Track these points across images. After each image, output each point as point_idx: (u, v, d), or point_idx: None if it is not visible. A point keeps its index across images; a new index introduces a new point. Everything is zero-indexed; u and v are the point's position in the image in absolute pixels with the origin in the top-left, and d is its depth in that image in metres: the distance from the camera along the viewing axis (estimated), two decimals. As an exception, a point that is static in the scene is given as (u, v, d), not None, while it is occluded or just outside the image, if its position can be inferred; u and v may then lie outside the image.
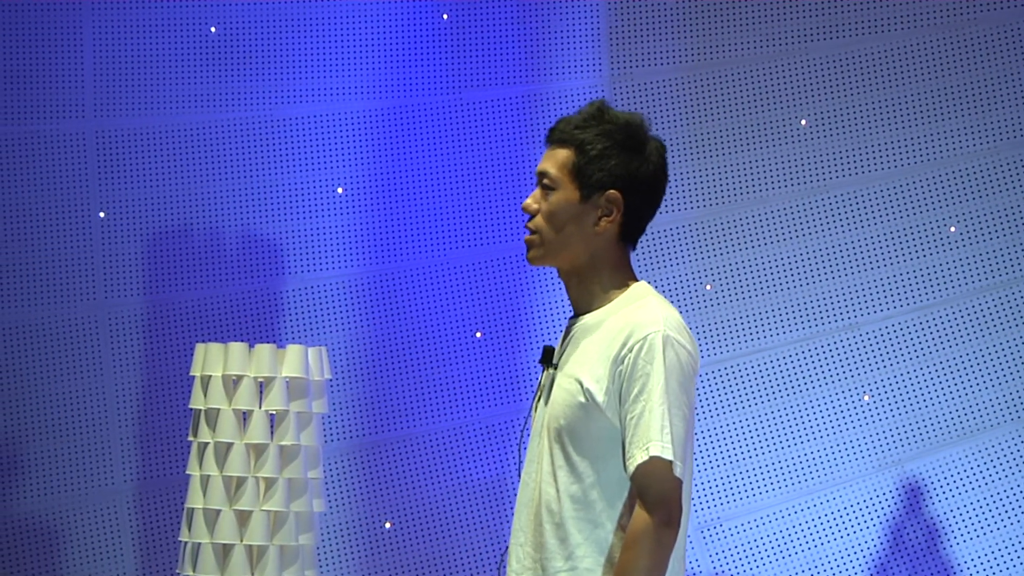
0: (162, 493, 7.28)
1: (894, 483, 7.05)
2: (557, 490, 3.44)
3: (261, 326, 7.38)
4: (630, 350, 3.41)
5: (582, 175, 3.49)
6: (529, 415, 3.68)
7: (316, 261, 7.45)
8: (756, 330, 7.28)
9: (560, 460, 3.45)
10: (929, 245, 7.16)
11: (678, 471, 3.37)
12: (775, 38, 7.34)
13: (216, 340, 7.23)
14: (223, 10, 7.44)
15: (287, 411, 6.06)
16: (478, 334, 7.46)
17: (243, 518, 6.04)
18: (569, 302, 3.62)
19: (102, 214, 7.36)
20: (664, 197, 3.58)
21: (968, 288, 7.11)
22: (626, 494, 3.44)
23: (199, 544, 6.05)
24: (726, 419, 7.20)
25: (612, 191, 3.49)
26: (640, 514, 3.37)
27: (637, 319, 3.44)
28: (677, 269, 7.33)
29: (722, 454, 7.22)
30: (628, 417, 3.40)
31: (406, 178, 7.52)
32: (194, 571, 6.04)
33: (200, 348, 6.13)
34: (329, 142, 7.50)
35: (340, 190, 7.49)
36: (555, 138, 3.55)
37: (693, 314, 7.28)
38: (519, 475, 3.61)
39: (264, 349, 6.06)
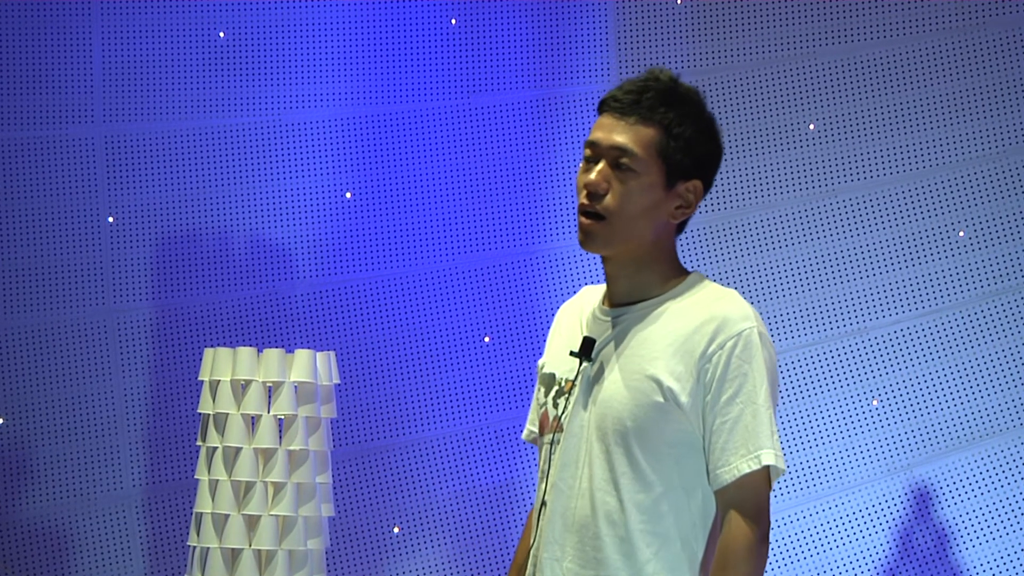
0: (171, 497, 7.28)
1: (903, 488, 7.05)
2: (620, 500, 3.04)
3: (269, 331, 7.38)
4: (720, 347, 3.02)
5: (670, 161, 3.06)
6: (545, 413, 3.25)
7: (324, 266, 7.46)
8: (765, 334, 7.27)
9: (623, 466, 3.05)
10: (938, 249, 7.15)
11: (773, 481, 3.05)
12: (783, 42, 7.34)
13: (224, 345, 7.23)
14: (232, 15, 7.45)
15: (296, 416, 6.06)
16: (486, 339, 7.46)
17: (252, 522, 6.04)
18: (608, 291, 3.22)
19: (111, 219, 7.37)
20: None
21: (977, 292, 7.10)
22: (701, 505, 3.08)
23: (208, 548, 6.05)
24: (735, 424, 7.19)
25: (696, 181, 3.10)
26: (740, 528, 3.00)
27: (724, 312, 3.04)
28: (685, 273, 7.33)
29: (731, 459, 7.21)
30: (719, 420, 3.02)
31: (415, 182, 7.52)
32: (203, 575, 6.05)
33: (208, 353, 6.14)
34: (338, 147, 7.50)
35: (349, 194, 7.50)
36: (630, 111, 3.07)
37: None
38: (544, 480, 3.17)
39: (272, 354, 6.06)
